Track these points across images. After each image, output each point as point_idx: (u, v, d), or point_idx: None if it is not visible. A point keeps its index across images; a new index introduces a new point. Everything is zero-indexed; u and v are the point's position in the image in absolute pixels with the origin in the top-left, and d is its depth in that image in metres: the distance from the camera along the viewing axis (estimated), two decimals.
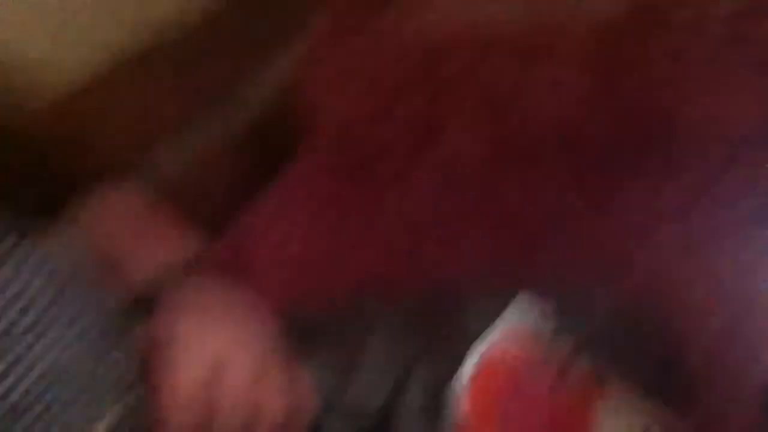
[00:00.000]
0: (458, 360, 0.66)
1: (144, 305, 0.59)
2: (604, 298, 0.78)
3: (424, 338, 0.71)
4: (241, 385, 0.52)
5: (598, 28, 1.12)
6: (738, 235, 0.91)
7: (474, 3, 1.25)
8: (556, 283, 0.76)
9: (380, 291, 0.99)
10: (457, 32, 1.21)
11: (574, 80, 1.13)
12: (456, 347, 0.67)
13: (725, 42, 0.96)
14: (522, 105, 1.13)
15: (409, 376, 0.66)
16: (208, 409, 0.51)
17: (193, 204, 1.29)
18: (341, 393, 0.65)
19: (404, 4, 1.26)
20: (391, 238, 1.04)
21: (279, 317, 0.77)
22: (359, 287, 1.00)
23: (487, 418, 0.77)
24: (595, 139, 1.07)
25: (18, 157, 0.64)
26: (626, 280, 0.88)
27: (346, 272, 1.02)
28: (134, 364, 0.54)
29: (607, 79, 1.08)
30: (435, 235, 1.01)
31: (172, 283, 0.61)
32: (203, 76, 1.44)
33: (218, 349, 0.53)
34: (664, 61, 1.01)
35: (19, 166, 0.63)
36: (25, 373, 0.50)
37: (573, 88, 1.12)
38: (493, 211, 1.02)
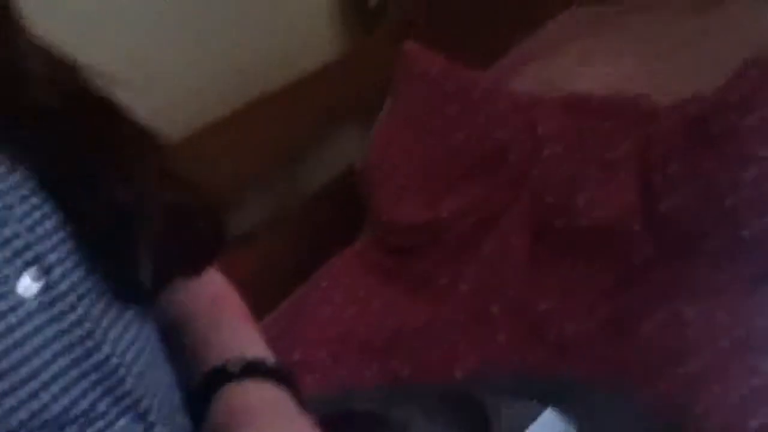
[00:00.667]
0: None
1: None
2: (627, 416, 0.80)
3: None
4: None
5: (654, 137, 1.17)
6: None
7: (533, 103, 1.30)
8: (581, 397, 0.78)
9: (416, 377, 1.03)
10: (516, 130, 1.27)
11: (625, 186, 1.17)
12: None
13: None
14: (571, 204, 1.18)
15: None
16: None
17: (256, 266, 1.36)
18: None
19: (470, 99, 1.33)
20: (431, 328, 1.08)
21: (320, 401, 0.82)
22: (397, 372, 1.04)
23: None
24: (635, 249, 1.11)
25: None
26: (652, 397, 0.91)
27: (387, 356, 1.06)
28: None
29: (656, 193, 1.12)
30: (473, 332, 1.05)
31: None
32: (280, 142, 1.52)
33: None
34: (725, 173, 1.06)
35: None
36: None
37: (624, 194, 1.16)
38: (527, 318, 1.05)
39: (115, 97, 0.61)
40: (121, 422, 0.54)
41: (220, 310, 0.70)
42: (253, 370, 0.62)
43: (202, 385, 0.62)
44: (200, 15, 1.46)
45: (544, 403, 0.71)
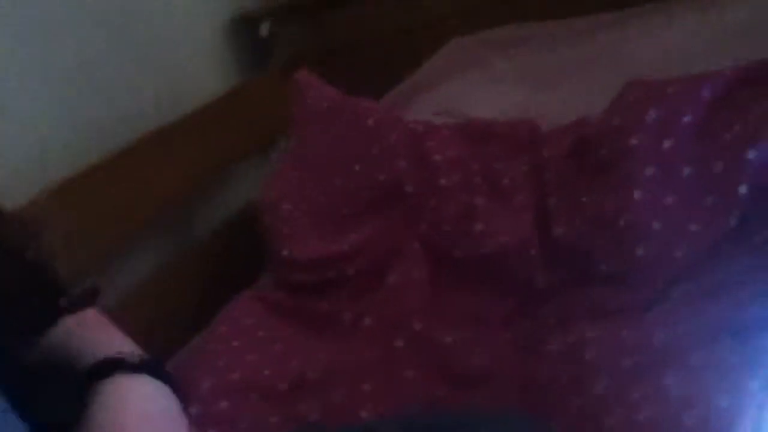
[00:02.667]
0: None
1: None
2: None
3: None
4: None
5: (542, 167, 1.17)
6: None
7: (427, 131, 1.29)
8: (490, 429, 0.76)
9: (325, 420, 0.98)
10: (412, 159, 1.25)
11: (520, 211, 1.17)
12: None
13: None
14: (469, 232, 1.17)
15: None
16: None
17: (152, 314, 1.29)
18: None
19: (365, 129, 1.29)
20: (336, 368, 1.03)
21: None
22: (305, 416, 0.99)
23: None
24: (534, 274, 1.11)
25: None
26: (560, 422, 0.89)
27: (293, 400, 1.01)
28: None
29: (550, 217, 1.12)
30: (380, 370, 1.01)
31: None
32: (173, 182, 1.45)
33: None
34: (613, 195, 1.06)
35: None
36: None
37: (519, 220, 1.16)
38: (433, 351, 1.02)
39: None
40: None
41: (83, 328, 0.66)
42: (150, 366, 0.61)
43: (94, 369, 0.59)
44: (75, 49, 1.36)
45: None
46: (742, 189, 0.95)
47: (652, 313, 0.98)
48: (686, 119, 1.03)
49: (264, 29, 1.66)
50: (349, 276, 1.18)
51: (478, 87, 1.42)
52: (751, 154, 0.95)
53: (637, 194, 1.00)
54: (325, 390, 1.00)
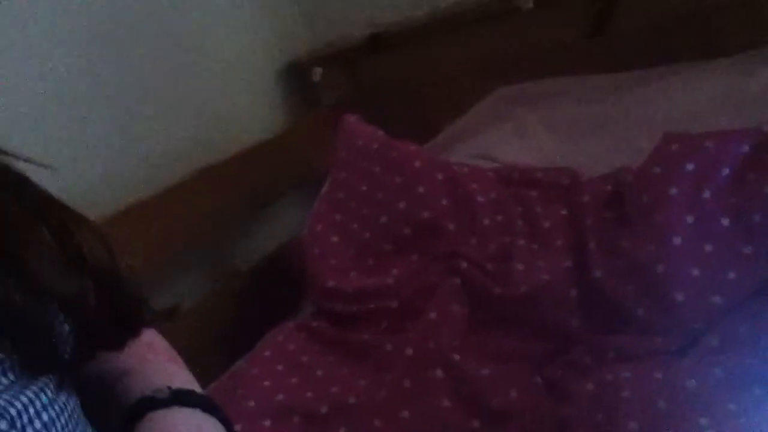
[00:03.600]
0: None
1: None
2: None
3: None
4: None
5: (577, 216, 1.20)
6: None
7: (470, 174, 1.32)
8: None
9: None
10: (454, 199, 1.28)
11: (559, 254, 1.19)
12: None
13: None
14: (509, 271, 1.18)
15: None
16: None
17: (193, 342, 1.32)
18: None
19: (409, 170, 1.32)
20: (375, 396, 1.05)
21: None
22: None
23: None
24: (571, 314, 1.12)
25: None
26: None
27: (331, 426, 1.03)
28: None
29: (589, 261, 1.14)
30: (417, 399, 1.02)
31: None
32: (221, 215, 1.49)
33: None
34: (652, 242, 1.06)
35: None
36: None
37: (558, 261, 1.18)
38: (470, 383, 1.03)
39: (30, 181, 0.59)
40: None
41: (148, 354, 0.69)
42: (180, 398, 0.60)
43: (129, 414, 0.59)
44: (139, 86, 1.43)
45: None
46: None
47: (687, 358, 0.99)
48: (724, 172, 1.06)
49: (316, 74, 1.72)
50: (391, 309, 1.21)
51: (513, 138, 1.45)
52: None
53: (676, 241, 1.02)
54: (364, 415, 1.01)
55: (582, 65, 1.47)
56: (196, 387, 0.65)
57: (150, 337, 0.72)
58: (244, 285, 1.50)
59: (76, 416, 0.57)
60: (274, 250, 1.59)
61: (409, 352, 1.09)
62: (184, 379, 0.66)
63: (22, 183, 0.59)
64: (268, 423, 1.00)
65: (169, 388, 0.61)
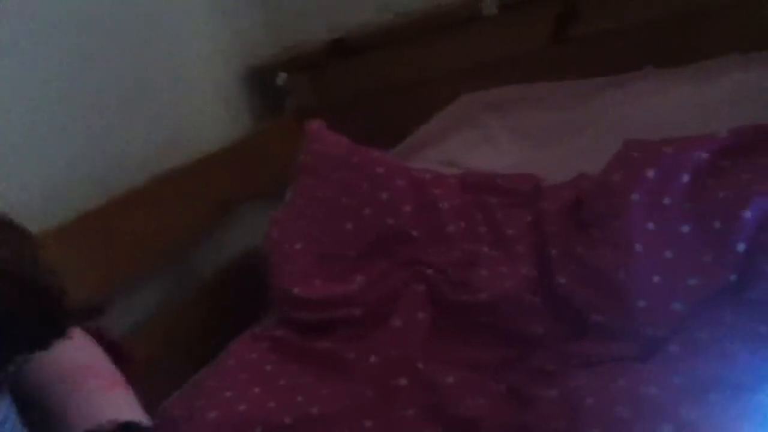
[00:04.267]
0: None
1: None
2: None
3: None
4: None
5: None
6: None
7: (434, 180, 1.31)
8: None
9: None
10: (419, 206, 1.25)
11: (523, 260, 1.19)
12: None
13: None
14: (473, 278, 1.16)
15: None
16: None
17: (157, 350, 1.29)
18: None
19: (374, 175, 1.30)
20: (339, 405, 1.03)
21: None
22: None
23: None
24: (534, 320, 1.12)
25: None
26: None
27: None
28: None
29: (552, 267, 1.14)
30: (381, 408, 1.01)
31: None
32: (180, 223, 1.47)
33: None
34: (614, 249, 1.06)
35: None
36: None
37: (520, 270, 1.18)
38: (434, 392, 1.02)
39: None
40: None
41: (83, 378, 0.68)
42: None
43: None
44: (95, 87, 1.39)
45: None
46: (740, 247, 0.97)
47: (648, 365, 1.00)
48: (684, 179, 1.06)
49: (281, 79, 1.70)
50: (356, 316, 1.19)
51: (477, 145, 1.45)
52: (747, 214, 0.98)
53: (637, 247, 1.02)
54: (328, 425, 0.99)
55: (546, 71, 1.48)
56: (139, 415, 0.64)
57: (90, 358, 0.71)
58: (207, 293, 1.48)
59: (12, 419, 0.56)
60: (237, 258, 1.57)
61: (373, 360, 1.08)
62: (126, 407, 0.66)
63: None
64: None
65: (112, 422, 0.61)
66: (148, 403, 0.78)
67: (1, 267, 0.59)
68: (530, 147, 1.42)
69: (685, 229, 1.03)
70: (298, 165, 1.40)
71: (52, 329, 0.64)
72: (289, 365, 1.15)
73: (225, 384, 1.10)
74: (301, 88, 1.72)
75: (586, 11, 1.44)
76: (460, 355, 1.11)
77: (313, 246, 1.29)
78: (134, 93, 1.49)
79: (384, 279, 1.22)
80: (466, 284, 1.16)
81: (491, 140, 1.46)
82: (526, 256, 1.16)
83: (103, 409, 0.64)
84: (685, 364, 0.94)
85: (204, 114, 1.66)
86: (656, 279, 1.01)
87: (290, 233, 1.32)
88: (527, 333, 1.10)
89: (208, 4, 1.67)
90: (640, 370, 0.97)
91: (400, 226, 1.23)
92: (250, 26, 1.76)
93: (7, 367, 0.61)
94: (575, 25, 1.45)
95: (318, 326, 1.21)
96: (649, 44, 1.38)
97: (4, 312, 0.58)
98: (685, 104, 1.31)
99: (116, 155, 1.42)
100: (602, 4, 1.41)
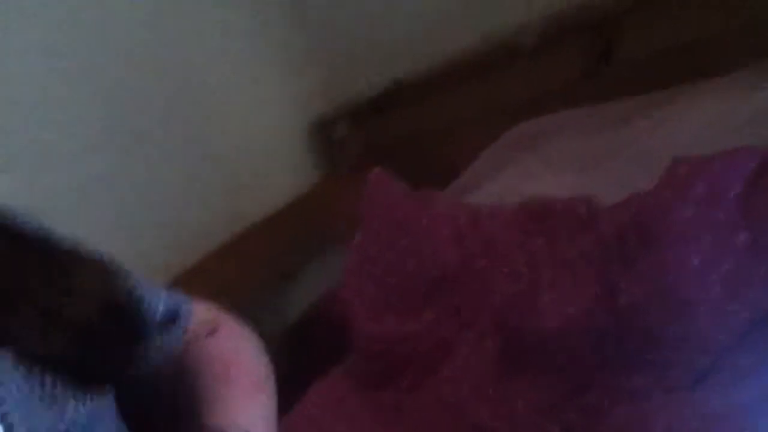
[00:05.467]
0: None
1: None
2: None
3: None
4: None
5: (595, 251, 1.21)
6: None
7: (492, 214, 1.35)
8: None
9: None
10: (477, 243, 1.31)
11: (585, 282, 1.20)
12: None
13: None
14: (537, 305, 1.18)
15: None
16: None
17: None
18: None
19: (433, 215, 1.36)
20: None
21: None
22: None
23: None
24: (592, 353, 1.12)
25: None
26: None
27: None
28: None
29: (615, 288, 1.15)
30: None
31: None
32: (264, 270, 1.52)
33: None
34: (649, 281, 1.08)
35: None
36: None
37: (584, 293, 1.19)
38: (508, 422, 1.05)
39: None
40: None
41: (231, 378, 0.68)
42: None
43: None
44: (170, 156, 1.46)
45: None
46: None
47: (707, 383, 0.99)
48: (735, 191, 1.07)
49: (340, 129, 1.77)
50: (420, 352, 1.22)
51: (531, 173, 1.47)
52: None
53: (695, 261, 1.03)
54: None
55: (586, 101, 1.49)
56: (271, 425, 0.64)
57: (237, 356, 0.72)
58: (289, 336, 1.52)
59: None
60: (316, 303, 1.61)
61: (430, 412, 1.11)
62: (259, 420, 0.65)
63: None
64: None
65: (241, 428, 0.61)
66: None
67: (86, 313, 0.61)
68: (571, 175, 1.42)
69: (741, 238, 1.03)
70: (362, 211, 1.45)
71: (129, 352, 0.65)
72: (367, 406, 1.20)
73: (310, 425, 1.15)
74: (358, 138, 1.78)
75: (623, 41, 1.46)
76: (528, 384, 1.12)
77: (379, 289, 1.34)
78: (202, 157, 1.55)
79: (449, 315, 1.25)
80: (531, 311, 1.18)
81: (533, 175, 1.47)
82: (589, 279, 1.17)
83: (235, 415, 0.64)
84: (746, 380, 0.94)
85: (266, 172, 1.72)
86: (716, 290, 1.01)
87: (359, 278, 1.38)
88: (593, 357, 1.10)
89: (265, 66, 1.75)
90: (702, 388, 0.96)
91: (461, 261, 1.27)
92: (308, 83, 1.83)
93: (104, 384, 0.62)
94: (611, 56, 1.47)
95: (392, 365, 1.24)
96: (684, 66, 1.38)
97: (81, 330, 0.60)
98: (719, 119, 1.29)
99: (189, 218, 1.48)
100: (636, 33, 1.43)
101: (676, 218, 1.08)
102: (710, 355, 0.98)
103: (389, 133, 1.75)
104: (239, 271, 1.44)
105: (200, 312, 0.75)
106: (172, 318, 0.71)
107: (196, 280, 1.38)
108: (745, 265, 1.03)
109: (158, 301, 0.71)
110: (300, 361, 1.42)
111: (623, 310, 1.11)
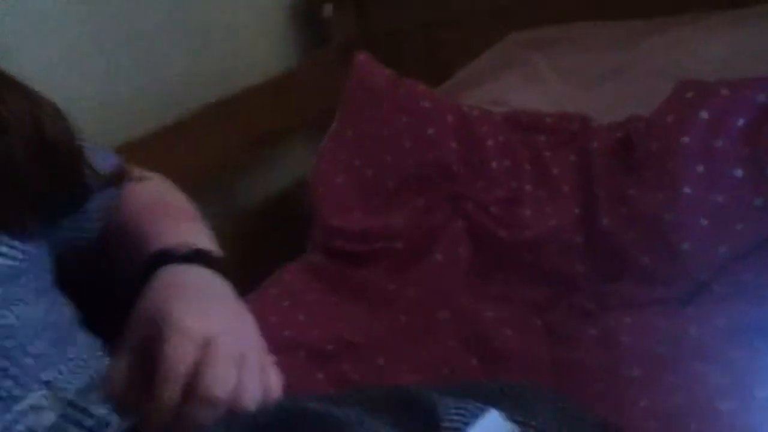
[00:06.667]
0: None
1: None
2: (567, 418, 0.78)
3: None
4: (226, 364, 0.50)
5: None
6: None
7: (480, 117, 1.29)
8: (523, 400, 0.76)
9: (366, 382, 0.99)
10: (464, 142, 1.23)
11: (567, 200, 1.17)
12: None
13: None
14: (516, 216, 1.15)
15: None
16: (193, 386, 0.50)
17: None
18: None
19: (419, 110, 1.28)
20: (379, 334, 1.04)
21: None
22: (347, 377, 1.00)
23: None
24: (574, 261, 1.10)
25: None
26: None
27: (337, 361, 1.02)
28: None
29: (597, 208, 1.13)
30: (420, 338, 1.02)
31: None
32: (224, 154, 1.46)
33: (209, 328, 0.51)
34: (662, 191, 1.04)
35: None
36: None
37: (565, 209, 1.16)
38: (472, 325, 1.02)
39: None
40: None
41: (163, 209, 0.70)
42: (196, 257, 0.60)
43: (145, 266, 0.59)
44: (136, 19, 1.37)
45: (489, 404, 0.70)
46: None
47: (690, 307, 0.98)
48: (739, 122, 1.03)
49: (327, 10, 1.67)
50: (396, 249, 1.19)
51: (525, 84, 1.41)
52: None
53: (686, 190, 1.00)
54: (368, 354, 1.01)
55: (595, 10, 1.42)
56: (212, 245, 0.64)
57: (162, 194, 0.73)
58: (251, 224, 1.48)
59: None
60: (280, 191, 1.57)
61: (412, 292, 1.08)
62: (202, 237, 0.65)
63: None
64: (275, 359, 0.99)
65: (188, 246, 0.61)
66: None
67: (21, 130, 0.60)
68: (577, 87, 1.37)
69: (737, 173, 1.00)
70: (343, 97, 1.38)
71: (78, 197, 0.66)
72: (330, 295, 1.16)
73: (268, 310, 1.12)
74: (347, 21, 1.68)
75: None
76: (500, 291, 1.10)
77: (355, 179, 1.29)
78: (177, 23, 1.46)
79: (424, 213, 1.21)
80: (508, 222, 1.15)
81: (538, 80, 1.42)
82: (571, 195, 1.15)
83: (178, 236, 0.63)
84: (728, 306, 0.92)
85: (249, 47, 1.64)
86: (704, 222, 0.99)
87: (332, 166, 1.32)
88: (568, 272, 1.09)
89: None
90: (682, 312, 0.96)
91: (442, 160, 1.22)
92: None
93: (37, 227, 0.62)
94: None
95: (358, 258, 1.21)
96: None
97: (21, 170, 0.60)
98: (735, 50, 1.25)
99: (152, 85, 1.40)
100: None
101: (673, 145, 1.05)
102: (694, 282, 0.96)
103: (381, 21, 1.66)
104: (196, 149, 1.37)
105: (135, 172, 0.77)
106: (118, 176, 0.72)
107: (170, 143, 1.30)
108: (736, 200, 1.00)
109: (104, 156, 0.72)
110: (252, 251, 1.38)
111: (601, 231, 1.08)
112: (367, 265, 1.19)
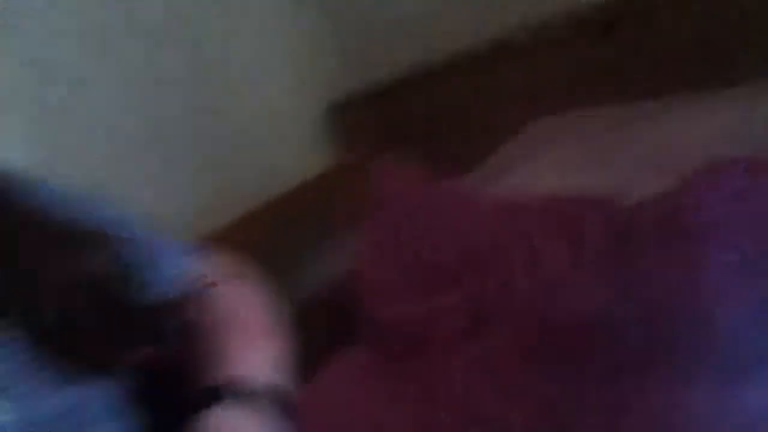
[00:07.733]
0: None
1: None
2: None
3: None
4: None
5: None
6: None
7: (515, 207, 1.32)
8: None
9: None
10: (503, 231, 1.26)
11: (605, 281, 1.17)
12: None
13: None
14: (561, 295, 1.15)
15: None
16: None
17: None
18: None
19: (453, 201, 1.34)
20: (430, 420, 1.05)
21: None
22: None
23: None
24: (622, 342, 1.10)
25: None
26: None
27: None
28: None
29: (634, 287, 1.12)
30: (475, 418, 1.03)
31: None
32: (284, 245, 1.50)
33: None
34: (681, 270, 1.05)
35: None
36: None
37: (607, 287, 1.15)
38: (529, 402, 1.03)
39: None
40: None
41: (236, 326, 0.69)
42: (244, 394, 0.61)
43: (201, 394, 0.61)
44: (176, 128, 1.46)
45: None
46: None
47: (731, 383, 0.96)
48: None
49: (358, 112, 1.74)
50: (439, 337, 1.20)
51: (557, 166, 1.44)
52: None
53: (719, 268, 1.00)
54: None
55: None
56: (278, 377, 0.65)
57: (235, 309, 0.72)
58: (298, 318, 1.49)
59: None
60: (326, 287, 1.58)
61: (458, 385, 1.09)
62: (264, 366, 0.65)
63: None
64: None
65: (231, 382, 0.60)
66: None
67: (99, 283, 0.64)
68: (598, 168, 1.39)
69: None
70: (374, 197, 1.42)
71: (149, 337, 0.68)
72: (378, 389, 1.17)
73: (317, 408, 1.12)
74: (376, 122, 1.74)
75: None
76: (549, 375, 1.10)
77: (395, 273, 1.31)
78: (215, 131, 1.53)
79: (468, 302, 1.22)
80: (554, 301, 1.14)
81: (561, 164, 1.44)
82: (612, 272, 1.14)
83: (245, 362, 0.63)
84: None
85: (282, 153, 1.69)
86: (741, 303, 0.98)
87: (372, 262, 1.34)
88: (611, 354, 1.08)
89: (285, 47, 1.71)
90: (724, 389, 0.94)
91: (484, 248, 1.24)
92: (328, 63, 1.79)
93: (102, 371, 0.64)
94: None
95: (405, 351, 1.22)
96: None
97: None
98: (728, 130, 1.26)
99: (190, 200, 1.46)
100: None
101: (709, 220, 1.05)
102: (739, 358, 0.95)
103: (409, 117, 1.71)
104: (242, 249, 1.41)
105: (221, 264, 0.78)
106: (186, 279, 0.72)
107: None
108: None
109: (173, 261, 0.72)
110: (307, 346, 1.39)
111: (644, 304, 1.07)
112: (413, 358, 1.20)
